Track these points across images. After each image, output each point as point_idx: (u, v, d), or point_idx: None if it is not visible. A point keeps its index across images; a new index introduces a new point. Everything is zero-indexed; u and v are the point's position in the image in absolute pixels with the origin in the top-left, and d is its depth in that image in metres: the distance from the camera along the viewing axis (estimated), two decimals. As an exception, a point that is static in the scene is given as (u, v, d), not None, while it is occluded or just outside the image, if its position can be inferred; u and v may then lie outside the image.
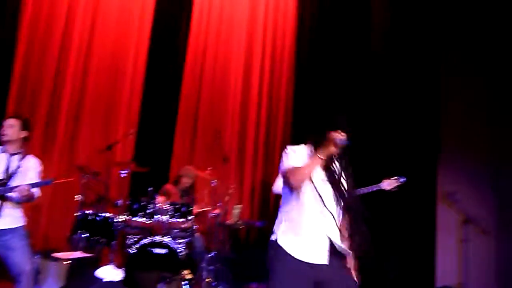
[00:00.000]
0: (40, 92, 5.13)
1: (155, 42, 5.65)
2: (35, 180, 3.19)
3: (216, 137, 5.31)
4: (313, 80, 5.77)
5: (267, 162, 5.93)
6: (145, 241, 4.01)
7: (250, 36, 6.07)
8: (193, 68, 5.81)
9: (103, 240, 4.33)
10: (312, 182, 2.14)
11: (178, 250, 4.05)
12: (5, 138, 3.20)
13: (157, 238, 4.05)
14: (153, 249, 3.98)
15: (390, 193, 3.98)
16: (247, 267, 5.05)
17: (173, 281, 3.94)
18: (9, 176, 3.14)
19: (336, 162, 2.23)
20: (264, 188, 5.84)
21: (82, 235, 4.30)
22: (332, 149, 2.11)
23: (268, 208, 5.78)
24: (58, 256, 3.79)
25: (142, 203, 4.34)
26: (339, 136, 2.08)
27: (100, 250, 4.58)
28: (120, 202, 4.52)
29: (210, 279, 4.32)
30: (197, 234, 4.68)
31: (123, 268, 3.91)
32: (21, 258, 3.08)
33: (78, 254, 3.99)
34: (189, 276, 4.17)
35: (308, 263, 2.08)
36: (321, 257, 2.09)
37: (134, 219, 4.32)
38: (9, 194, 3.07)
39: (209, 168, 4.79)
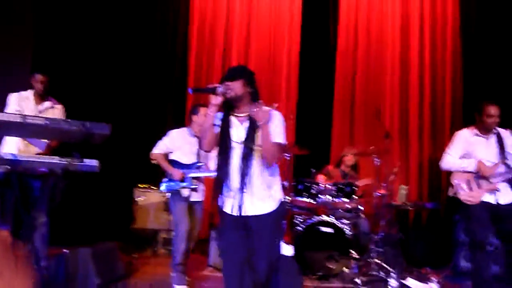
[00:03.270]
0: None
1: (306, 22, 5.79)
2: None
3: (375, 114, 5.10)
4: (483, 48, 5.15)
5: (435, 138, 5.47)
6: (312, 220, 4.12)
7: (406, 5, 5.66)
8: (346, 47, 5.72)
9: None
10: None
11: (344, 230, 4.05)
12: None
13: (324, 218, 4.12)
14: (320, 228, 4.06)
15: None
16: (420, 250, 4.75)
17: (342, 260, 3.96)
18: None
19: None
20: (433, 166, 5.37)
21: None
22: (213, 98, 2.27)
23: (439, 188, 5.31)
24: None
25: (306, 184, 4.45)
26: (215, 85, 2.28)
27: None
28: (286, 183, 4.74)
29: (379, 260, 4.20)
30: (362, 215, 4.60)
31: (293, 245, 4.09)
32: (198, 222, 3.81)
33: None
34: (356, 256, 4.13)
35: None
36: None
37: (299, 199, 4.48)
38: (201, 175, 3.71)
39: (371, 147, 4.64)
